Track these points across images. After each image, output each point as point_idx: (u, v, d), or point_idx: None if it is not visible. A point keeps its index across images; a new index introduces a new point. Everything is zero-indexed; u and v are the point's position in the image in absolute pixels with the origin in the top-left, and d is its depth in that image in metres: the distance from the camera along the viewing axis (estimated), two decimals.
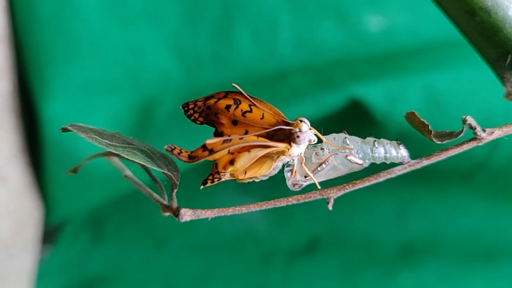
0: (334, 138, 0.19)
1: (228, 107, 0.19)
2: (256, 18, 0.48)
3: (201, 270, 0.50)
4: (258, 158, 0.18)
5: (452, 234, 0.50)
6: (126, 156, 0.19)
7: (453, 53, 0.46)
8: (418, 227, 0.50)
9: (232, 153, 0.18)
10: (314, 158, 0.19)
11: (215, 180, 0.19)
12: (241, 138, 0.18)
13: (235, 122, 0.19)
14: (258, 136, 0.18)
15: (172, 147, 0.18)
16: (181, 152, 0.18)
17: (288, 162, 0.19)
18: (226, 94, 0.19)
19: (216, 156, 0.18)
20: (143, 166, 0.19)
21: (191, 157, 0.18)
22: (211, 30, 0.48)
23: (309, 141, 0.18)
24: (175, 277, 0.49)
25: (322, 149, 0.19)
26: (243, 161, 0.18)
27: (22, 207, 0.48)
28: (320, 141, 0.19)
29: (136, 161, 0.19)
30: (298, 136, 0.18)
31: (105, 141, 0.19)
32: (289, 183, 0.19)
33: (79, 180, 0.48)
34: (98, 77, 0.48)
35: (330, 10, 0.48)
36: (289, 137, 0.18)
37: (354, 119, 0.46)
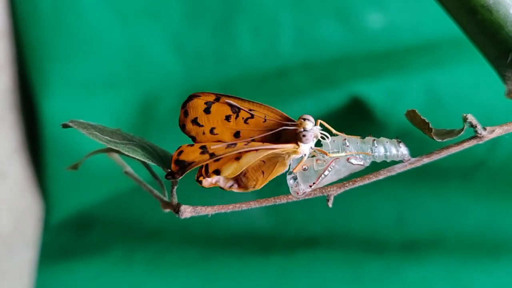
0: (334, 140, 0.19)
1: (228, 117, 0.18)
2: (257, 15, 0.48)
3: (195, 260, 0.50)
4: (271, 159, 0.18)
5: (454, 232, 0.50)
6: (126, 153, 0.19)
7: (454, 51, 0.46)
8: (420, 225, 0.50)
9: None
10: (315, 165, 0.19)
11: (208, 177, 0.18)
12: (246, 144, 0.18)
13: (237, 134, 0.18)
14: (264, 140, 0.18)
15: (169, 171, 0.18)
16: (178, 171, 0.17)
17: (291, 171, 0.19)
18: (217, 98, 0.18)
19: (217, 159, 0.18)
20: (143, 162, 0.19)
21: (186, 164, 0.17)
22: (212, 27, 0.48)
23: (316, 136, 0.18)
24: (169, 267, 0.50)
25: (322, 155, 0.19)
26: (249, 157, 0.18)
27: (22, 203, 0.48)
28: (330, 133, 0.19)
29: (137, 157, 0.19)
30: (304, 135, 0.18)
31: (106, 137, 0.19)
32: (292, 191, 0.19)
33: (80, 177, 0.48)
34: (99, 73, 0.48)
35: (331, 8, 0.48)
36: (295, 137, 0.18)
37: (355, 117, 0.46)
